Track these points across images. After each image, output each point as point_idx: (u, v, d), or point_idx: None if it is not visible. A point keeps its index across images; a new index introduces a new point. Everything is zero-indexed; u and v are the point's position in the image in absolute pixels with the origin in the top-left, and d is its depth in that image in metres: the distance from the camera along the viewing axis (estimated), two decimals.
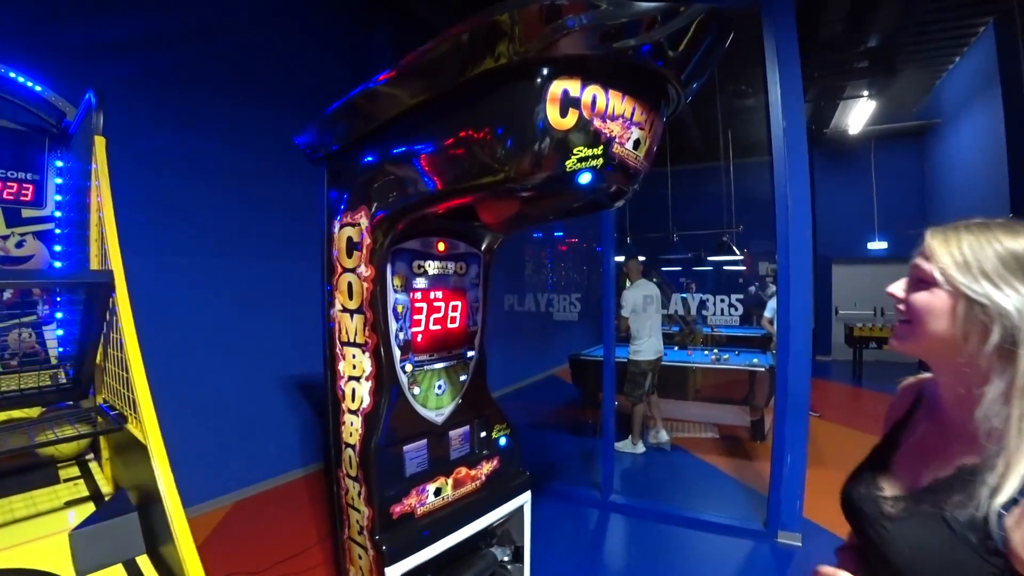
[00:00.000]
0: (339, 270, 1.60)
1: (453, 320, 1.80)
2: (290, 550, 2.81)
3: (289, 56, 4.05)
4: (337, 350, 1.66)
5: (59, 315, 1.83)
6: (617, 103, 1.10)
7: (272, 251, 3.81)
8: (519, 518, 1.96)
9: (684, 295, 4.10)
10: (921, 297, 0.66)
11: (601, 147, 1.11)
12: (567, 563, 2.78)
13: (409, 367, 1.62)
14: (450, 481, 1.70)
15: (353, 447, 1.58)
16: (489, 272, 1.95)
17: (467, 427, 1.81)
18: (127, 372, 1.25)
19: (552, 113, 1.04)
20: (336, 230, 1.60)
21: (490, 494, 1.83)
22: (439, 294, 1.74)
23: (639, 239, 7.89)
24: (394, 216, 1.43)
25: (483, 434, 1.85)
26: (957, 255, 0.63)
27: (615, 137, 1.13)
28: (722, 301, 3.70)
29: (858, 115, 7.57)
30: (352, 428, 1.59)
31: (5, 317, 1.78)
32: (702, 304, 3.77)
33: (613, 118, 1.10)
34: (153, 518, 1.21)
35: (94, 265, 1.60)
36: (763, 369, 4.40)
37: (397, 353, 1.59)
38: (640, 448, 4.45)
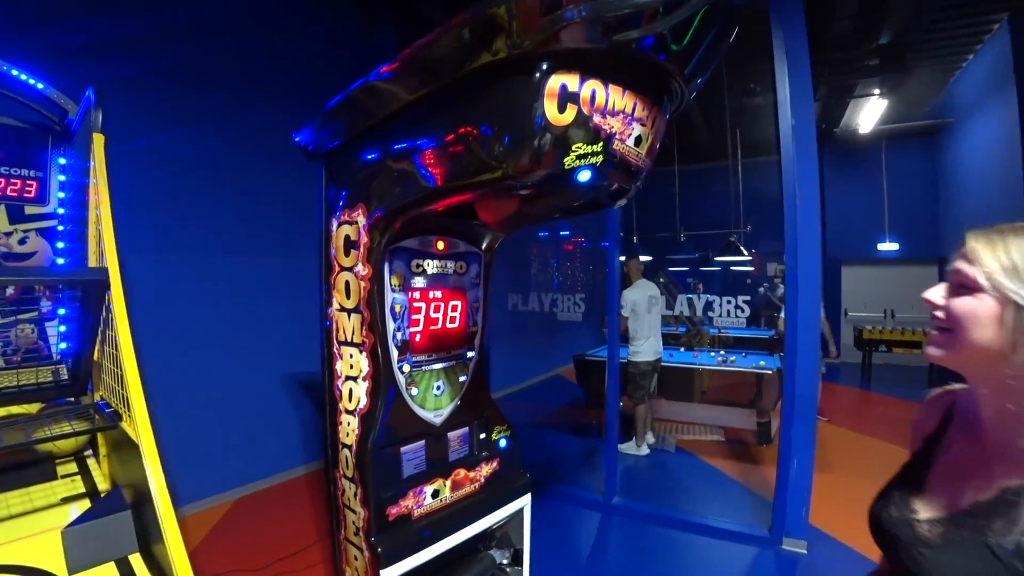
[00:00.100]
0: (336, 268, 1.58)
1: (453, 320, 1.78)
2: (290, 548, 2.81)
3: (292, 54, 4.06)
4: (334, 349, 1.64)
5: (61, 311, 1.83)
6: (617, 98, 1.07)
7: (276, 248, 3.82)
8: (518, 521, 1.94)
9: (690, 296, 4.06)
10: (963, 303, 0.61)
11: (601, 144, 1.09)
12: (567, 566, 2.76)
13: (407, 367, 1.60)
14: (448, 483, 1.68)
15: (350, 447, 1.56)
16: (490, 271, 1.92)
17: (466, 428, 1.79)
18: (122, 370, 1.24)
19: (550, 109, 1.01)
20: (334, 228, 1.59)
21: (489, 496, 1.80)
22: (438, 293, 1.72)
23: (646, 239, 7.84)
24: (392, 214, 1.41)
25: (482, 436, 1.83)
26: (1004, 259, 0.59)
27: (615, 134, 1.10)
28: (729, 303, 3.65)
29: (869, 114, 7.47)
30: (349, 428, 1.58)
31: (8, 313, 1.78)
32: (708, 305, 3.73)
33: (613, 114, 1.07)
34: (146, 517, 1.20)
35: (92, 262, 1.60)
36: (770, 371, 4.35)
37: (395, 353, 1.57)
38: (644, 450, 4.41)
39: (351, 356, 1.59)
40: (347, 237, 1.53)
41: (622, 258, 4.54)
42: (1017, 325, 0.57)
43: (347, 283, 1.55)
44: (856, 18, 5.01)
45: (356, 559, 1.55)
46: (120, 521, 1.25)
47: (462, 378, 1.81)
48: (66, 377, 1.68)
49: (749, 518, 3.15)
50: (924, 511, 0.67)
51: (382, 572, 1.45)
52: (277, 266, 3.83)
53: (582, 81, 1.02)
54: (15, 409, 1.61)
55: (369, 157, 1.47)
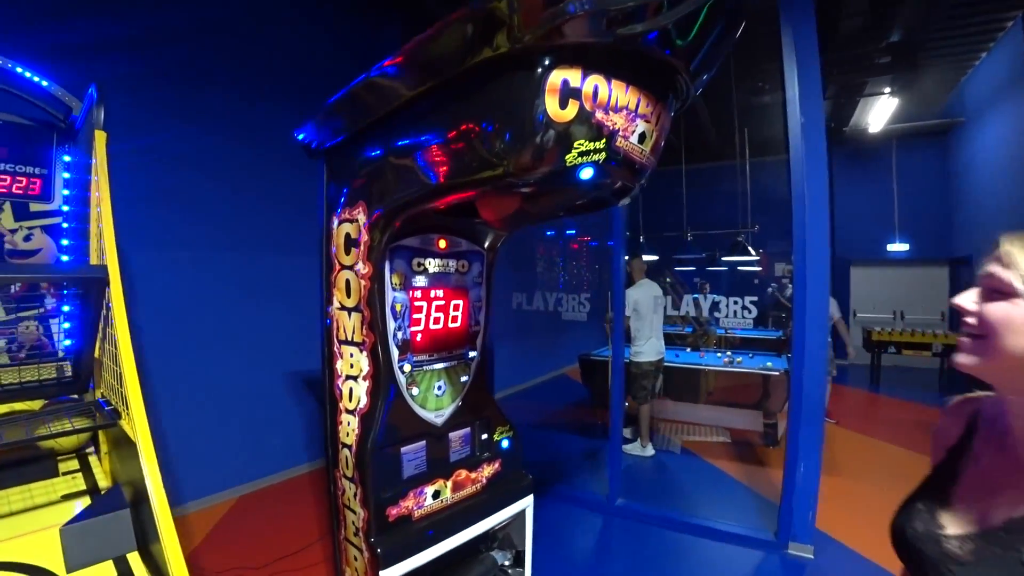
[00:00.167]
0: (337, 267, 1.57)
1: (454, 319, 1.76)
2: (292, 546, 2.81)
3: (297, 51, 4.06)
4: (335, 348, 1.63)
5: (66, 308, 1.84)
6: (621, 94, 1.04)
7: (281, 245, 3.83)
8: (520, 522, 1.92)
9: (696, 296, 4.03)
10: (998, 309, 0.58)
11: (604, 140, 1.06)
12: (569, 568, 2.73)
13: (407, 367, 1.59)
14: (449, 484, 1.67)
15: (350, 447, 1.55)
16: (492, 270, 1.90)
17: (468, 429, 1.78)
18: (120, 367, 1.23)
19: (551, 104, 0.99)
20: (335, 226, 1.58)
21: (491, 497, 1.79)
22: (440, 293, 1.70)
23: (652, 238, 7.79)
24: (392, 212, 1.40)
25: (484, 436, 1.82)
26: None
27: (619, 130, 1.08)
28: (736, 303, 3.61)
29: (879, 113, 7.38)
30: (349, 428, 1.57)
31: (12, 310, 1.79)
32: (714, 306, 3.69)
33: (616, 110, 1.05)
34: (144, 516, 1.19)
35: (94, 260, 1.60)
36: (777, 373, 4.30)
37: (395, 352, 1.55)
38: (649, 451, 4.38)
39: (351, 355, 1.58)
40: (348, 235, 1.52)
41: (627, 257, 4.52)
42: None
43: (347, 281, 1.54)
44: (866, 15, 4.93)
45: (356, 560, 1.54)
46: (118, 520, 1.25)
47: (464, 378, 1.80)
48: (69, 374, 1.68)
49: (755, 521, 3.11)
50: (952, 526, 0.64)
51: (381, 573, 1.43)
52: (282, 263, 3.83)
53: (584, 76, 1.00)
54: (18, 405, 1.62)
55: (370, 154, 1.46)
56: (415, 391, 1.62)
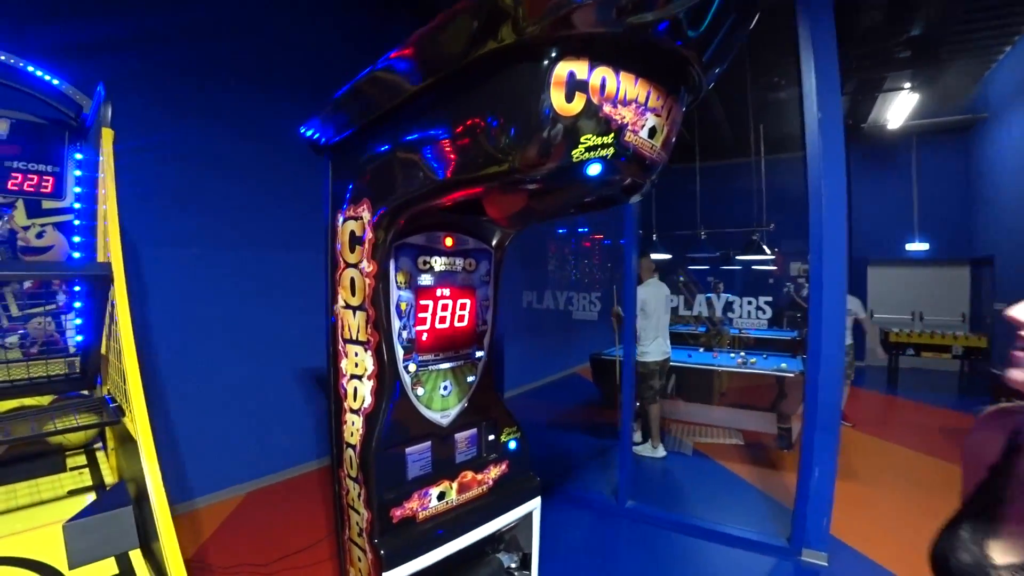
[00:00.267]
0: (342, 265, 1.55)
1: (461, 319, 1.74)
2: (299, 543, 2.82)
3: (305, 48, 4.06)
4: (340, 347, 1.61)
5: (77, 304, 1.85)
6: (629, 87, 1.01)
7: (290, 241, 3.84)
8: (527, 524, 1.89)
9: (709, 295, 3.96)
10: None
11: (612, 135, 1.03)
12: (577, 571, 2.70)
13: (412, 367, 1.57)
14: (455, 485, 1.64)
15: (354, 447, 1.53)
16: (500, 269, 1.88)
17: (474, 430, 1.75)
18: (123, 364, 1.23)
19: (557, 98, 0.96)
20: (340, 223, 1.56)
21: (497, 499, 1.76)
22: (446, 291, 1.68)
23: (665, 236, 7.70)
24: (397, 209, 1.37)
25: (491, 437, 1.79)
26: None
27: (627, 124, 1.04)
28: (750, 303, 3.55)
29: (899, 109, 7.20)
30: (353, 428, 1.55)
31: (24, 306, 1.81)
32: (728, 306, 3.63)
33: (625, 103, 1.02)
34: (146, 513, 1.19)
35: (101, 257, 1.60)
36: (792, 374, 4.22)
37: (400, 352, 1.53)
38: (660, 452, 4.33)
39: (356, 354, 1.56)
40: (352, 233, 1.50)
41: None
42: None
43: (352, 280, 1.52)
44: (887, 8, 4.80)
45: (360, 560, 1.53)
46: (121, 517, 1.24)
47: (470, 378, 1.77)
48: (78, 370, 1.69)
49: (767, 526, 3.05)
50: (1002, 556, 0.59)
51: (385, 575, 1.42)
52: (291, 260, 3.84)
53: (591, 68, 0.97)
54: (29, 401, 1.63)
55: (375, 150, 1.44)
56: (420, 391, 1.60)
